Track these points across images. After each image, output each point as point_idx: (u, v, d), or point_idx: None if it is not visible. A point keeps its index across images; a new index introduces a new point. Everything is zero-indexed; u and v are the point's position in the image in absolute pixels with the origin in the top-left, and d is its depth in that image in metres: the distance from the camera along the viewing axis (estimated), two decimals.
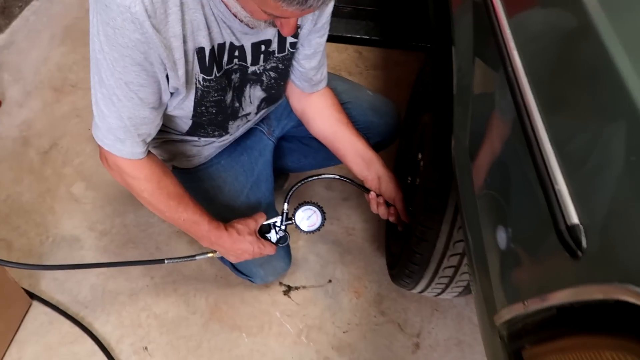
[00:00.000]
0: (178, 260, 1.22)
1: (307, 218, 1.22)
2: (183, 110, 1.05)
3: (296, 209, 1.21)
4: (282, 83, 1.20)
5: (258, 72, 1.10)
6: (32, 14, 2.40)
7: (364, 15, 2.35)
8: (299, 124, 1.35)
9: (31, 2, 2.46)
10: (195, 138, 1.21)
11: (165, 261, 1.20)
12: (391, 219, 1.23)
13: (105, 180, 1.72)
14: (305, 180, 1.24)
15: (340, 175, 1.26)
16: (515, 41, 0.66)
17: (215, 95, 1.06)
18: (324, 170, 1.38)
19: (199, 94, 1.02)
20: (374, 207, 1.24)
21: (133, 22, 0.81)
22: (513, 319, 0.56)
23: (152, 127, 0.99)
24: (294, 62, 1.18)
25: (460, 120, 0.88)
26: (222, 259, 1.38)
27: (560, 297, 0.47)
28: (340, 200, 1.70)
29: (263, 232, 1.22)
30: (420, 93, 1.39)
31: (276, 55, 1.10)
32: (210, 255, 1.21)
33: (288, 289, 1.49)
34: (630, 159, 0.44)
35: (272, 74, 1.14)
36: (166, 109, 1.03)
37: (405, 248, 1.19)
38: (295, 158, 1.50)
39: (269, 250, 1.21)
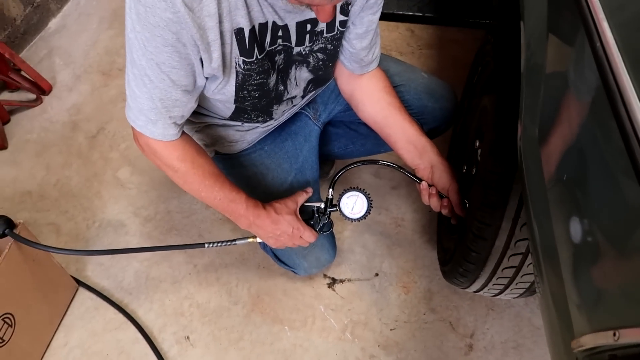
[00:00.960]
0: (218, 244, 1.17)
1: (352, 205, 1.13)
2: (224, 95, 0.99)
3: (341, 195, 1.14)
4: (331, 64, 1.12)
5: (304, 53, 1.02)
6: None
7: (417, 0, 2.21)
8: (347, 108, 1.27)
9: None
10: (239, 123, 1.15)
11: (205, 245, 1.16)
12: (444, 211, 1.13)
13: (150, 165, 1.70)
14: (352, 166, 1.16)
15: (389, 162, 1.17)
16: (603, 9, 0.55)
17: (258, 78, 0.99)
18: (373, 157, 1.29)
19: (239, 77, 0.96)
20: (425, 199, 1.14)
21: (164, 0, 0.75)
22: (597, 348, 0.46)
23: (185, 110, 0.94)
24: (343, 42, 1.09)
25: (530, 104, 0.76)
26: (264, 247, 1.33)
27: None
28: (389, 189, 1.61)
29: (306, 219, 1.15)
30: (479, 74, 1.27)
31: (324, 35, 1.01)
32: (250, 240, 1.16)
33: (333, 282, 1.42)
34: None
35: (319, 55, 1.05)
36: (205, 92, 0.98)
37: (459, 245, 1.09)
38: (342, 144, 1.42)
39: (309, 235, 1.13)
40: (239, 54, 0.91)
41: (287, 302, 1.39)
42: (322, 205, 1.15)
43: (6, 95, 1.96)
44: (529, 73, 0.78)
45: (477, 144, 1.17)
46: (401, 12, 2.16)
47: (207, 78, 0.93)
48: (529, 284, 1.04)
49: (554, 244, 0.65)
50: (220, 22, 0.83)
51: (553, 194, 0.67)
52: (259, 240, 1.15)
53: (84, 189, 1.67)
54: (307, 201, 1.17)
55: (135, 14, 0.79)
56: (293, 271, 1.32)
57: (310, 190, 1.17)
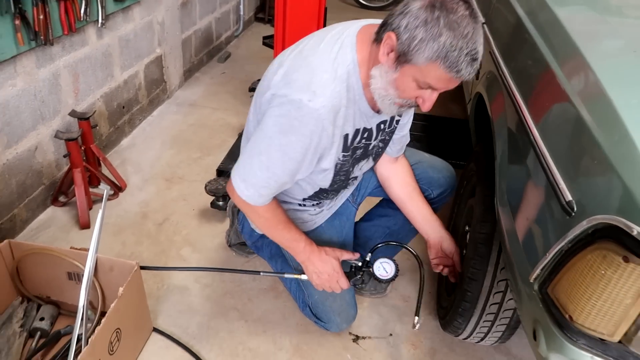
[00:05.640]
0: (271, 274, 1.74)
1: (383, 269, 1.54)
2: (325, 179, 1.43)
3: (376, 260, 1.55)
4: (383, 150, 1.57)
5: (375, 144, 1.47)
6: (148, 125, 3.07)
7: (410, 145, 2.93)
8: (374, 187, 1.75)
9: (147, 117, 3.14)
10: (311, 208, 1.60)
11: (261, 273, 1.68)
12: (450, 277, 1.59)
13: (207, 246, 2.16)
14: (385, 243, 1.61)
15: (408, 247, 1.64)
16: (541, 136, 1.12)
17: (346, 165, 1.44)
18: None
19: (337, 167, 1.40)
20: (440, 269, 1.61)
21: (316, 119, 1.18)
22: (541, 271, 0.93)
23: (285, 188, 1.38)
24: None
25: (502, 185, 1.31)
26: (304, 308, 1.74)
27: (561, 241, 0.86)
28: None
29: (345, 271, 1.53)
30: (465, 186, 1.84)
31: (386, 130, 1.46)
32: (296, 276, 1.56)
33: (357, 338, 1.80)
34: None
35: (380, 144, 1.50)
36: (313, 178, 1.41)
37: (458, 290, 1.54)
38: (380, 233, 1.85)
39: (344, 282, 1.50)
40: (341, 150, 1.34)
41: (322, 351, 1.75)
42: (360, 264, 1.59)
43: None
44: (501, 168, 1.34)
45: (467, 228, 1.69)
46: None
47: (311, 171, 1.36)
48: (509, 319, 1.47)
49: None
50: (341, 131, 1.28)
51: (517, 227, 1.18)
52: (304, 278, 1.54)
53: (154, 262, 2.07)
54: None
55: (288, 126, 1.19)
56: (326, 328, 1.71)
57: (357, 255, 1.57)
